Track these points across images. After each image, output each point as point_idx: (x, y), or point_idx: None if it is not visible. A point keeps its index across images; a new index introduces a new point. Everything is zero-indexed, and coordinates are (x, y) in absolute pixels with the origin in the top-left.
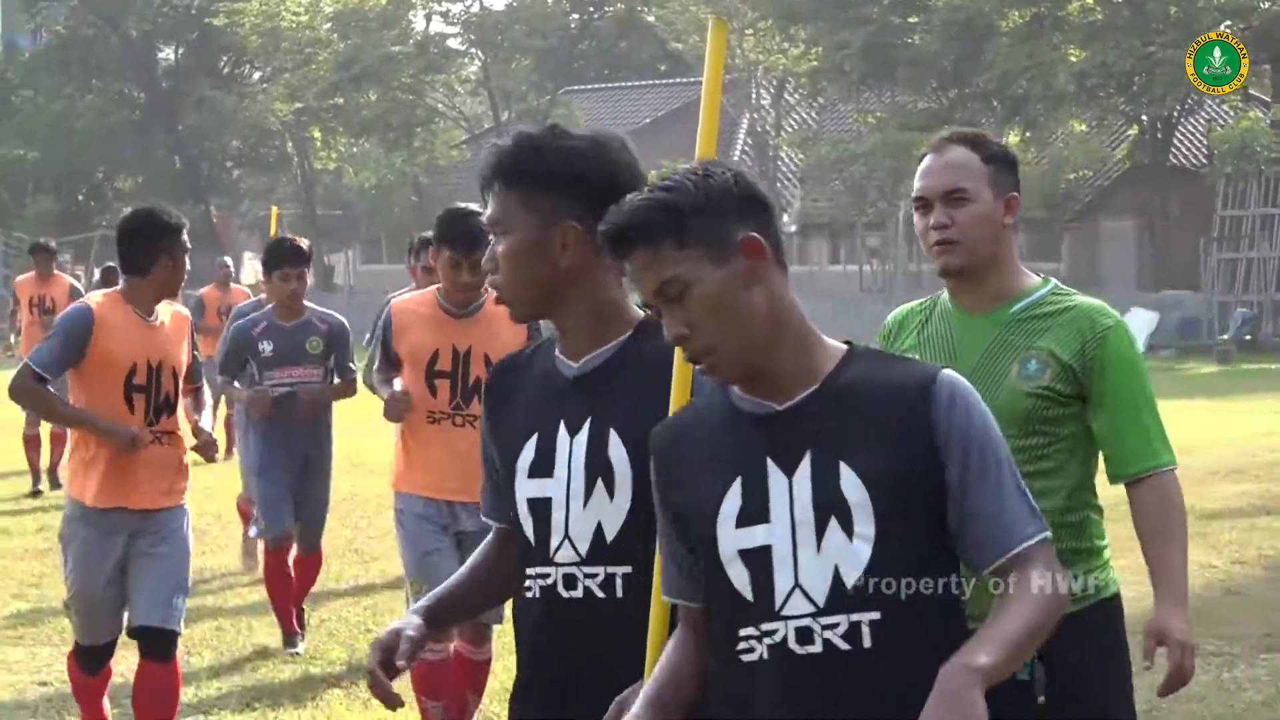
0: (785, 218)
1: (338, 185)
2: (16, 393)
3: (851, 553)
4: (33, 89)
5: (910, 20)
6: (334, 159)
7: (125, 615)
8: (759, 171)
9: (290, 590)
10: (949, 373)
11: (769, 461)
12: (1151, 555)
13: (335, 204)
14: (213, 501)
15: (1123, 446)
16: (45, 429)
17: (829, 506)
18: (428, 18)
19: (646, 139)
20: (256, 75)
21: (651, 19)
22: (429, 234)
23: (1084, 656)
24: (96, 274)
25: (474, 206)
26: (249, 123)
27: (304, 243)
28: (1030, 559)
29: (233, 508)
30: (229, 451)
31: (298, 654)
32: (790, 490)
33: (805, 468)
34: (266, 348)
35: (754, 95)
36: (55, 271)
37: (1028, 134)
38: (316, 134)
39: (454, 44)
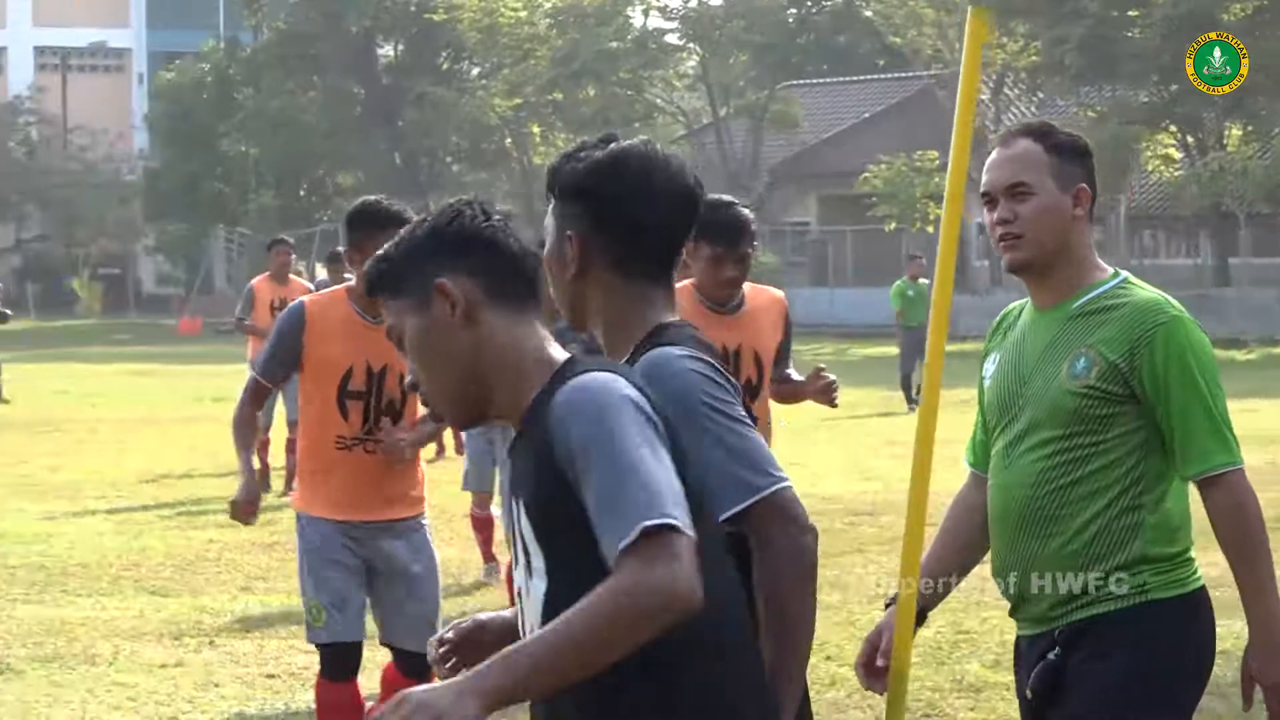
0: None
1: None
2: (236, 411)
3: (534, 589)
4: (254, 85)
5: (1130, 14)
6: (553, 154)
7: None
8: (974, 165)
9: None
10: (574, 382)
11: (514, 503)
12: (1237, 577)
13: None
14: (435, 493)
15: (1178, 446)
16: (277, 432)
17: (518, 545)
18: (645, 13)
19: (865, 134)
20: (475, 71)
21: (869, 13)
22: None
23: (1087, 658)
24: (319, 269)
25: (731, 198)
26: (468, 118)
27: None
28: (632, 554)
29: (453, 498)
30: (439, 450)
31: None
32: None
33: (516, 508)
34: None
35: None
36: (291, 277)
37: (1249, 128)
38: (536, 129)
39: (672, 39)
